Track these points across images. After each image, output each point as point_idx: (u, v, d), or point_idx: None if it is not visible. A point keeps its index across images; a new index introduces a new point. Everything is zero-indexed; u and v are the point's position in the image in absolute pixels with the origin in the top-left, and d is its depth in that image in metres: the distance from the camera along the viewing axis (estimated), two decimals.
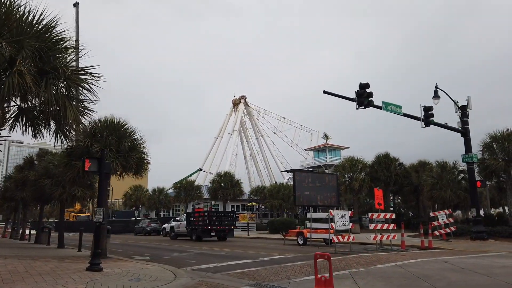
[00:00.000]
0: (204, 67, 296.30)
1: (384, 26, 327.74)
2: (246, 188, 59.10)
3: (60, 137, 8.36)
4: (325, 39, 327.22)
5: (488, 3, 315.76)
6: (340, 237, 17.78)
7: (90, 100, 8.01)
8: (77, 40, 63.08)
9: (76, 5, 75.79)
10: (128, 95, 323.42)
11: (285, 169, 72.34)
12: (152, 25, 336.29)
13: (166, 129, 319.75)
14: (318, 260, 13.67)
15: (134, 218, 55.12)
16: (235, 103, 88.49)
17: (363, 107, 18.42)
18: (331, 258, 13.76)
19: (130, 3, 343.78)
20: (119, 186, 71.14)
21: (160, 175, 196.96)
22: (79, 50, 7.49)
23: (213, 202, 47.22)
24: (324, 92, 19.62)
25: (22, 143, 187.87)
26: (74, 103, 7.97)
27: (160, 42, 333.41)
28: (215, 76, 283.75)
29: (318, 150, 67.35)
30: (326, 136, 67.98)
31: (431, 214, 23.44)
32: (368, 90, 18.30)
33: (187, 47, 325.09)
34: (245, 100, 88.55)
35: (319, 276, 4.54)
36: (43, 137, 8.34)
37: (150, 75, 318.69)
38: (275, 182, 61.22)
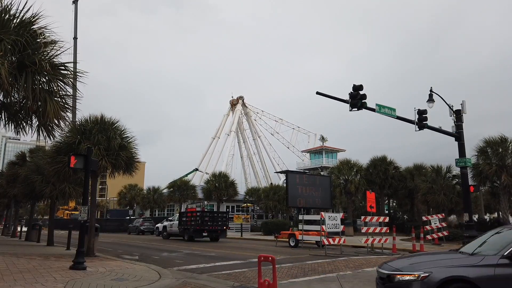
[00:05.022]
0: (203, 69, 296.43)
1: (376, 35, 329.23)
2: (243, 189, 59.03)
3: (43, 133, 8.22)
4: (319, 47, 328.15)
5: (474, 17, 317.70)
6: (330, 239, 17.67)
7: (72, 96, 7.88)
8: (75, 38, 62.24)
9: (75, 2, 75.43)
10: (129, 97, 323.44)
11: (281, 171, 72.25)
12: (149, 32, 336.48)
13: (165, 130, 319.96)
14: (309, 262, 13.55)
15: (128, 217, 54.89)
16: (233, 104, 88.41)
17: (356, 109, 18.31)
18: (323, 261, 13.68)
19: (127, 16, 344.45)
20: (115, 185, 71.00)
21: (158, 175, 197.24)
22: (59, 47, 7.34)
23: (206, 202, 47.04)
24: (317, 93, 19.51)
25: (19, 140, 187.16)
26: (57, 99, 7.83)
27: (160, 46, 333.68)
28: (213, 78, 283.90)
29: (315, 152, 67.32)
30: (323, 139, 67.94)
31: (424, 218, 23.37)
32: (361, 92, 18.21)
33: (185, 51, 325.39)
34: (242, 101, 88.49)
35: (263, 280, 4.42)
36: (26, 133, 8.22)
37: (150, 78, 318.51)
38: (271, 183, 61.12)
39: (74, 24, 67.13)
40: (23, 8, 6.86)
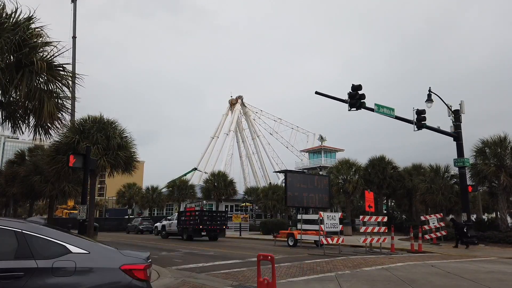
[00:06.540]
0: (203, 69, 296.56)
1: (376, 35, 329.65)
2: (242, 188, 58.98)
3: (40, 133, 8.22)
4: (319, 47, 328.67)
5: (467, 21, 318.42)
6: (329, 239, 17.70)
7: (71, 95, 7.89)
8: (74, 37, 62.03)
9: (74, 1, 75.29)
10: (129, 97, 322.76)
11: (280, 170, 72.24)
12: (149, 32, 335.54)
13: (165, 130, 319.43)
14: (307, 261, 13.57)
15: (127, 216, 54.87)
16: (232, 103, 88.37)
17: (355, 108, 18.38)
18: (321, 260, 13.71)
19: (126, 19, 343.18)
20: (113, 184, 70.84)
21: (157, 174, 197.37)
22: (57, 48, 7.34)
23: (205, 201, 47.04)
24: (316, 93, 19.56)
25: (18, 139, 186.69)
26: (55, 99, 7.82)
27: (160, 47, 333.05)
28: (213, 78, 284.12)
29: (314, 152, 67.32)
30: (321, 138, 67.88)
31: (422, 218, 23.43)
32: (360, 92, 18.26)
33: (185, 51, 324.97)
34: (241, 100, 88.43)
35: (262, 278, 4.44)
36: (23, 132, 8.22)
37: (150, 78, 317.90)
38: (270, 183, 61.10)
39: (72, 23, 67.10)
40: (17, 8, 6.86)
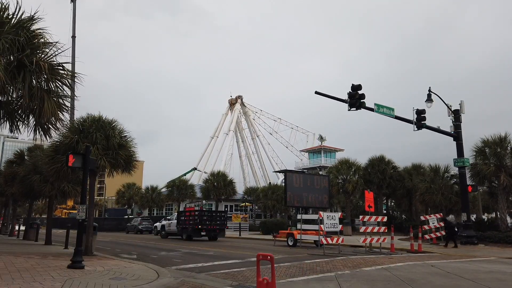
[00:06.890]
0: (203, 69, 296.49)
1: (376, 35, 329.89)
2: (241, 188, 58.99)
3: (39, 133, 8.20)
4: (319, 47, 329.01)
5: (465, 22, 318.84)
6: (329, 239, 17.68)
7: (70, 94, 7.88)
8: (73, 36, 62.21)
9: (73, 1, 75.18)
10: (129, 97, 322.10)
11: (279, 170, 72.22)
12: (149, 33, 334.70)
13: (164, 130, 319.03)
14: (307, 261, 13.54)
15: (127, 216, 54.85)
16: (232, 103, 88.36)
17: (355, 108, 18.37)
18: (321, 260, 13.70)
19: (126, 20, 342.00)
20: (113, 184, 70.81)
21: (157, 174, 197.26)
22: (57, 48, 7.31)
23: (204, 201, 47.02)
24: (316, 92, 19.55)
25: (17, 138, 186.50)
26: (55, 99, 7.80)
27: (160, 47, 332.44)
28: (213, 78, 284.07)
29: (314, 152, 67.33)
30: (321, 138, 67.89)
31: (422, 218, 23.41)
32: (360, 92, 18.25)
33: (185, 51, 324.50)
34: (241, 100, 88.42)
35: (261, 278, 4.38)
36: (20, 132, 8.20)
37: (150, 78, 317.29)
38: (270, 182, 61.09)
39: (72, 23, 67.27)
40: (19, 8, 6.86)
